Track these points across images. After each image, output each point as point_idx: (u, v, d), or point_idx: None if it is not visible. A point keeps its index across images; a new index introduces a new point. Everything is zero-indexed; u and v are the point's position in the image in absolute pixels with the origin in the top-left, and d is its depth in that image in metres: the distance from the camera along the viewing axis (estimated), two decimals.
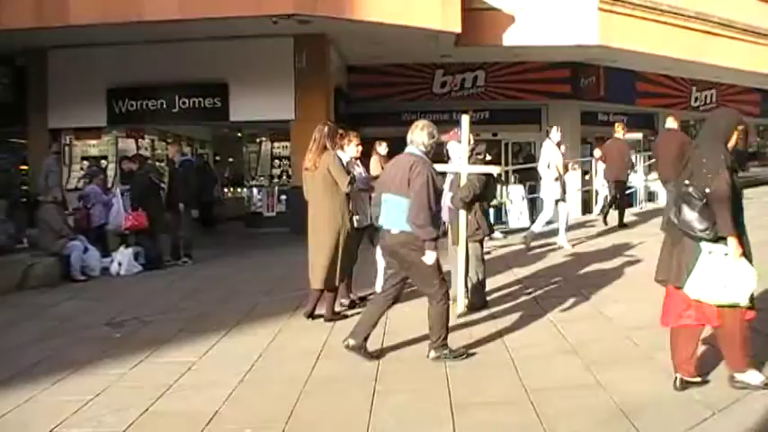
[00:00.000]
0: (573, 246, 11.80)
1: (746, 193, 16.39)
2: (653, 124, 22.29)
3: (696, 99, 22.56)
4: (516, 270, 9.90)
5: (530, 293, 8.51)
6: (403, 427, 4.73)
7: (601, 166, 15.73)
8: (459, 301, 7.69)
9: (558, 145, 11.96)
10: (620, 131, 14.08)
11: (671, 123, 12.98)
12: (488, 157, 8.53)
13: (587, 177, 18.51)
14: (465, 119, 7.55)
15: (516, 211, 15.93)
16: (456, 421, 4.68)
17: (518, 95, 19.41)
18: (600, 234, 13.29)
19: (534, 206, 16.96)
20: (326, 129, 7.57)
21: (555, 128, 12.25)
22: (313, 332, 7.18)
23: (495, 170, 8.37)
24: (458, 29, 14.34)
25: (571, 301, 8.00)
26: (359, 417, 4.86)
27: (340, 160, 7.52)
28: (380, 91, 19.20)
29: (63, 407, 5.28)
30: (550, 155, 11.77)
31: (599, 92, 19.07)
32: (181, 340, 7.13)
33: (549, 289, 8.73)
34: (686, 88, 22.18)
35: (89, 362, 6.44)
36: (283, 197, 18.35)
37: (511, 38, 15.80)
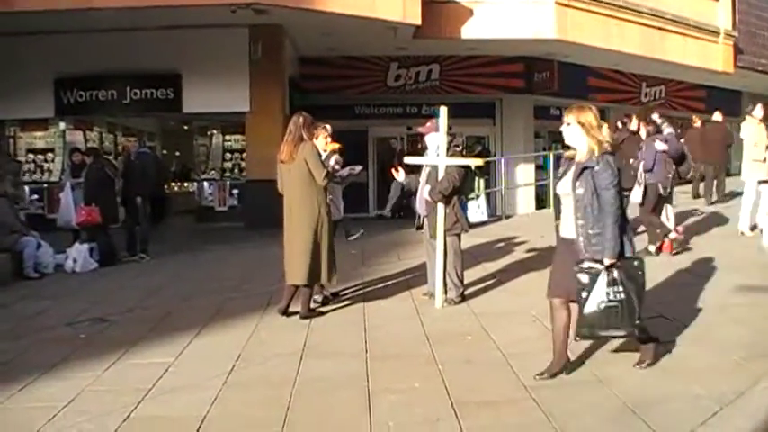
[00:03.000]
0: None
1: (689, 188, 16.34)
2: (604, 119, 22.37)
3: (646, 95, 22.79)
4: (486, 264, 9.78)
5: (505, 287, 8.41)
6: (408, 430, 4.52)
7: None
8: (438, 296, 7.55)
9: (763, 120, 11.04)
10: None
11: (717, 116, 15.85)
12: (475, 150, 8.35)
13: None
14: (443, 110, 7.42)
15: (474, 205, 15.83)
16: (462, 423, 4.49)
17: (472, 90, 19.28)
18: None
19: (490, 201, 16.98)
20: (302, 119, 7.30)
21: (759, 105, 11.39)
22: (291, 330, 6.93)
23: (474, 162, 8.24)
24: (418, 21, 14.16)
25: None
26: (358, 419, 4.63)
27: (318, 152, 7.29)
28: (333, 83, 18.83)
29: (34, 414, 4.92)
30: (755, 133, 10.87)
31: (553, 86, 19.05)
32: (151, 340, 6.79)
33: (524, 282, 8.62)
34: (636, 84, 22.39)
35: (56, 365, 6.09)
36: (236, 191, 17.98)
37: (469, 31, 15.67)
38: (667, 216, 10.34)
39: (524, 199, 19.23)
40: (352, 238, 12.16)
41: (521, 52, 18.71)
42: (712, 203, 15.15)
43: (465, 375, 5.42)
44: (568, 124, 5.09)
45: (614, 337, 5.26)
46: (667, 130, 10.14)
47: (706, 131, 16.05)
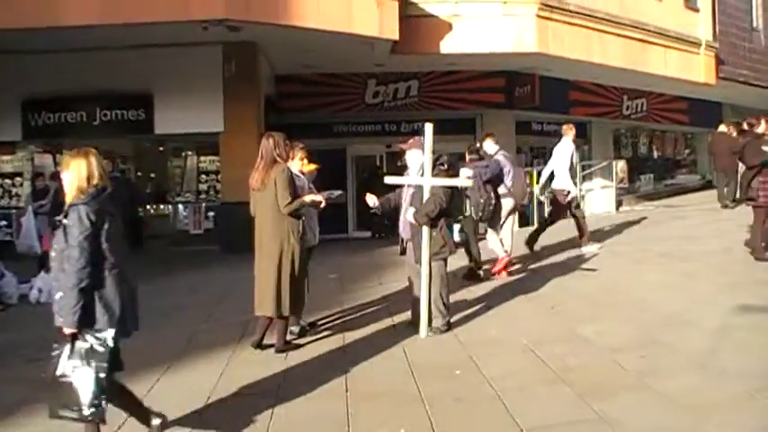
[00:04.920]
0: None
1: (677, 200, 16.74)
2: (585, 132, 22.20)
3: (627, 108, 22.57)
4: (472, 288, 9.33)
5: (493, 313, 7.97)
6: None
7: None
8: (423, 325, 7.10)
9: None
10: None
11: (723, 128, 16.52)
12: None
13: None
14: (429, 127, 6.91)
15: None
16: None
17: (452, 105, 18.92)
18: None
19: None
20: (272, 141, 6.80)
21: None
22: (265, 366, 6.40)
23: (465, 183, 7.83)
24: (395, 36, 13.80)
25: (539, 320, 7.50)
26: None
27: (290, 176, 6.79)
28: (310, 101, 18.39)
29: None
30: None
31: (534, 101, 18.73)
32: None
33: (513, 307, 8.20)
34: (617, 97, 22.15)
35: (10, 409, 5.56)
36: (211, 214, 17.48)
37: (448, 45, 15.33)
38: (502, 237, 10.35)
39: None
40: None
41: (501, 66, 18.39)
42: (725, 207, 15.96)
43: (455, 416, 4.96)
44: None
45: (72, 419, 4.49)
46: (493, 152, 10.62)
47: (713, 142, 17.07)
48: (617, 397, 5.06)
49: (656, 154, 26.42)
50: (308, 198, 6.92)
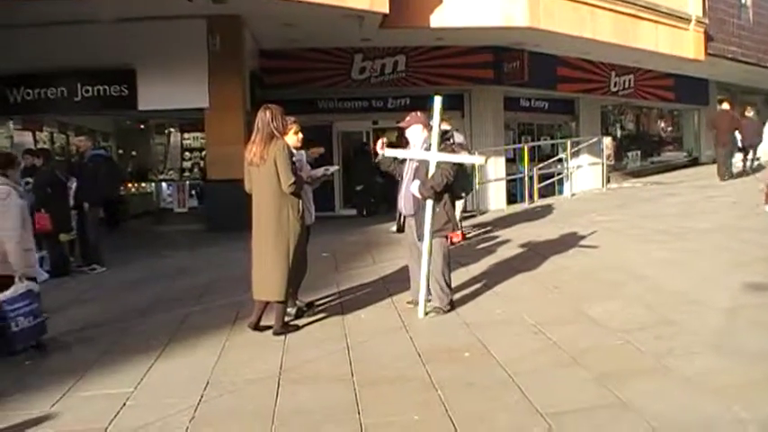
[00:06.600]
0: None
1: (665, 177, 17.05)
2: (573, 109, 22.02)
3: (615, 84, 22.36)
4: (471, 267, 9.10)
5: (495, 292, 7.75)
6: None
7: None
8: (421, 304, 6.87)
9: None
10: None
11: (725, 106, 18.30)
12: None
13: None
14: (437, 100, 6.64)
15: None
16: None
17: (440, 81, 18.51)
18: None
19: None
20: (269, 113, 6.50)
21: None
22: (263, 349, 6.16)
23: (476, 160, 7.58)
24: (385, 9, 13.43)
25: (544, 299, 7.29)
26: None
27: (290, 153, 6.51)
28: (295, 77, 17.97)
29: None
30: None
31: (522, 77, 18.45)
32: (106, 365, 5.96)
33: (515, 286, 7.98)
34: (605, 73, 21.93)
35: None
36: (195, 192, 17.16)
37: (438, 19, 14.96)
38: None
39: (496, 194, 18.59)
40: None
41: (490, 42, 18.09)
42: (725, 180, 17.46)
43: (469, 401, 4.72)
44: None
45: None
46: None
47: (715, 119, 18.29)
48: (637, 380, 4.85)
49: (642, 131, 26.34)
50: (319, 171, 6.71)
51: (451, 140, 7.03)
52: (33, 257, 7.00)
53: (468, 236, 11.73)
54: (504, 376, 5.11)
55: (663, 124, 27.24)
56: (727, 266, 8.14)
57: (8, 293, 6.36)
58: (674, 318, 6.27)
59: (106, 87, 14.80)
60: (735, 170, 18.18)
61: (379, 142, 7.18)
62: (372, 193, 18.21)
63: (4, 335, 6.32)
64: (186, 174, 17.37)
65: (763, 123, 14.13)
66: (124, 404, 5.00)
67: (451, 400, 4.71)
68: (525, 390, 4.79)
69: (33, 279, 6.86)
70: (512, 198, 18.43)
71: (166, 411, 4.81)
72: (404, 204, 7.07)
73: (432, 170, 6.66)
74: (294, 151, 7.00)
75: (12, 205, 6.55)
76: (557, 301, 7.24)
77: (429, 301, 6.96)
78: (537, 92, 20.49)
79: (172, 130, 17.67)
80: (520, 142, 20.45)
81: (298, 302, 7.20)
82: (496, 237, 11.47)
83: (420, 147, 6.92)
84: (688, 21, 19.44)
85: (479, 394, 4.85)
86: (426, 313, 6.86)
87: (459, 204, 10.70)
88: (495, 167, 18.93)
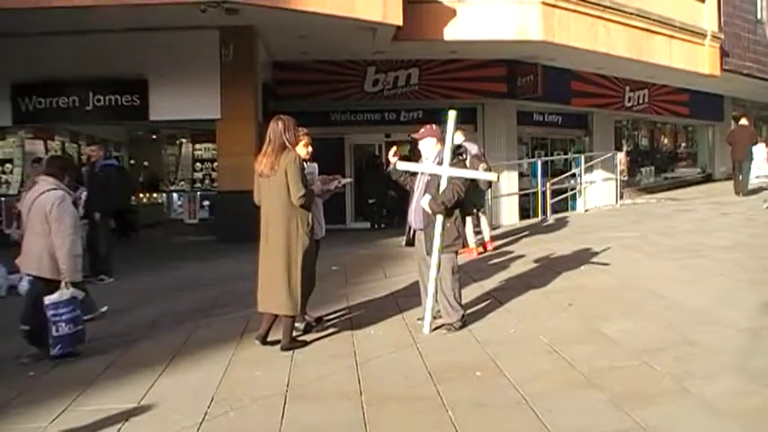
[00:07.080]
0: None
1: (678, 193, 17.02)
2: (587, 124, 21.87)
3: (629, 99, 22.22)
4: (483, 282, 8.95)
5: (507, 309, 7.59)
6: None
7: None
8: (427, 319, 6.73)
9: None
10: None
11: (744, 121, 18.57)
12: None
13: None
14: (452, 114, 6.54)
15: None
16: None
17: (453, 94, 18.45)
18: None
19: None
20: (281, 124, 6.41)
21: None
22: (270, 364, 6.03)
23: (489, 176, 7.46)
24: (399, 21, 13.35)
25: (558, 317, 7.13)
26: None
27: (302, 165, 6.39)
28: (308, 89, 17.94)
29: None
30: None
31: (536, 91, 18.34)
32: (110, 379, 5.86)
33: (528, 303, 7.82)
34: (620, 88, 21.79)
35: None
36: (206, 203, 17.09)
37: (452, 32, 14.88)
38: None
39: (509, 209, 18.45)
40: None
41: (503, 55, 18.02)
42: (741, 196, 17.26)
43: (481, 423, 4.57)
44: None
45: None
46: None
47: (734, 133, 18.36)
48: (655, 403, 4.69)
49: (656, 146, 26.17)
50: (332, 185, 6.62)
51: (465, 155, 6.91)
52: (80, 264, 6.95)
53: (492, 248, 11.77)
54: (516, 397, 4.96)
55: (677, 140, 27.07)
56: (745, 284, 7.98)
57: (54, 297, 6.41)
58: (692, 338, 6.10)
59: (118, 97, 14.78)
60: (751, 186, 17.90)
61: (392, 150, 7.08)
62: (384, 206, 18.12)
63: (43, 338, 6.39)
64: (197, 185, 17.31)
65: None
66: (127, 420, 4.87)
67: (462, 421, 4.56)
68: (539, 412, 4.64)
69: (79, 285, 6.82)
70: (524, 213, 18.29)
71: (169, 428, 4.69)
72: (414, 218, 6.95)
73: (443, 185, 6.54)
74: (306, 164, 6.89)
75: (66, 211, 6.54)
76: (571, 318, 7.08)
77: (436, 317, 6.83)
78: (550, 106, 20.36)
79: (183, 140, 17.65)
80: (533, 157, 20.35)
81: (306, 317, 7.06)
82: (510, 252, 11.30)
83: (432, 160, 6.81)
84: (703, 36, 19.28)
85: (491, 415, 4.71)
86: (434, 330, 6.73)
87: (468, 220, 10.60)
88: (509, 182, 18.78)
